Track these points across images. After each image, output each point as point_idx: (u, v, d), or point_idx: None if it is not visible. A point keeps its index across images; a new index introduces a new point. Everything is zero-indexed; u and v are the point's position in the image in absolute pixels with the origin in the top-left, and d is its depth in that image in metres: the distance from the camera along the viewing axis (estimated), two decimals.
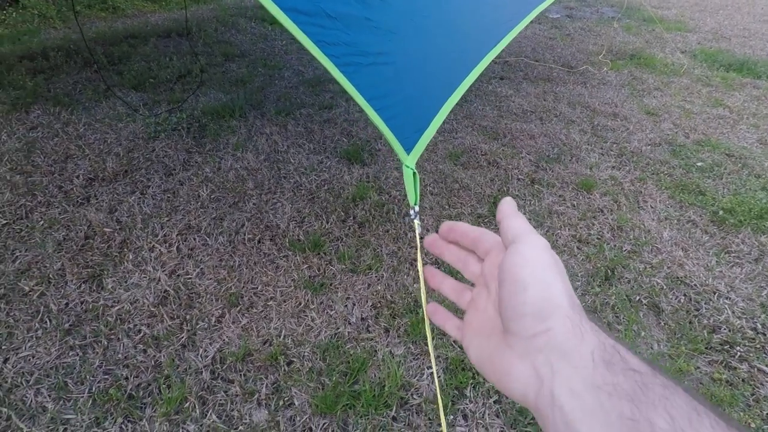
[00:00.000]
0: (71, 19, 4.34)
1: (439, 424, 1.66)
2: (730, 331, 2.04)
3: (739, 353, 1.95)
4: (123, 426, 1.61)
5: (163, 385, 1.74)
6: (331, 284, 2.18)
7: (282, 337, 1.93)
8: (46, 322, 1.96)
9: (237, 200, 2.71)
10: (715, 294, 2.22)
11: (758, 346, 1.97)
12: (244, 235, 2.44)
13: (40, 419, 1.62)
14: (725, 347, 1.98)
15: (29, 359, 1.81)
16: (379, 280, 2.21)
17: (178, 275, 2.19)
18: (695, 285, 2.26)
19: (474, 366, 0.44)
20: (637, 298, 2.18)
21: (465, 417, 1.69)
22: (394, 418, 1.67)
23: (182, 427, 1.62)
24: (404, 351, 1.90)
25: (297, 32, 1.09)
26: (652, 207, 2.82)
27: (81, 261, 2.24)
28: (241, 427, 1.63)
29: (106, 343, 1.88)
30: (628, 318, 2.07)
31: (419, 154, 1.15)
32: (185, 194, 2.74)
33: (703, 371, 1.88)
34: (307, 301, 2.09)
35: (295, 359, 1.85)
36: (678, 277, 2.30)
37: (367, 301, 2.10)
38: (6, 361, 1.80)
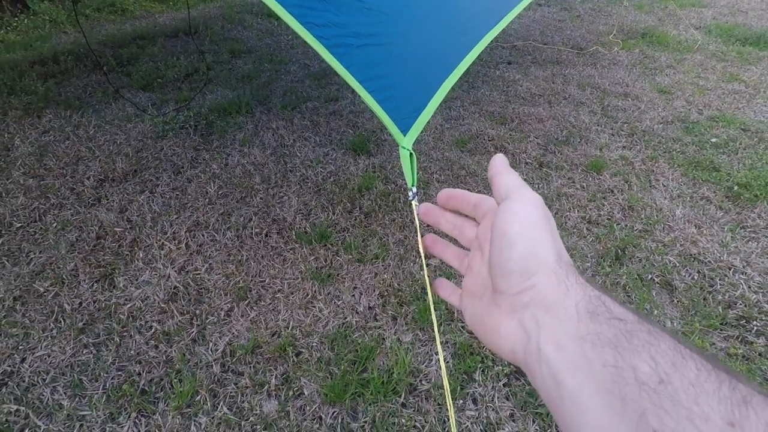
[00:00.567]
0: (79, 24, 4.41)
1: (449, 410, 1.65)
2: (746, 306, 2.00)
3: (755, 328, 1.91)
4: (137, 421, 1.64)
5: (175, 380, 1.76)
6: (338, 275, 2.19)
7: (290, 328, 1.94)
8: (60, 321, 1.99)
9: (244, 195, 2.72)
10: (730, 269, 2.17)
11: None
12: (252, 229, 2.45)
13: (57, 416, 1.65)
14: (741, 322, 1.94)
15: (45, 358, 1.85)
16: (386, 268, 2.21)
17: (188, 271, 2.22)
18: (709, 261, 2.21)
19: (469, 328, 0.44)
20: (649, 276, 2.15)
21: (475, 401, 1.68)
22: (403, 405, 1.67)
23: (194, 420, 1.64)
24: (412, 338, 1.89)
25: (285, 15, 1.08)
26: (664, 185, 2.76)
27: (93, 261, 2.28)
28: (251, 418, 1.64)
29: (118, 340, 1.91)
30: (640, 297, 2.04)
31: (416, 135, 1.14)
32: (193, 191, 2.76)
33: (718, 347, 1.85)
34: (315, 292, 2.10)
35: (303, 350, 1.86)
36: (691, 254, 2.25)
37: (374, 290, 2.10)
38: (23, 360, 1.84)
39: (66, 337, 1.92)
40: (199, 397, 1.71)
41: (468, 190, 0.49)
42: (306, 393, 1.71)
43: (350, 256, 2.27)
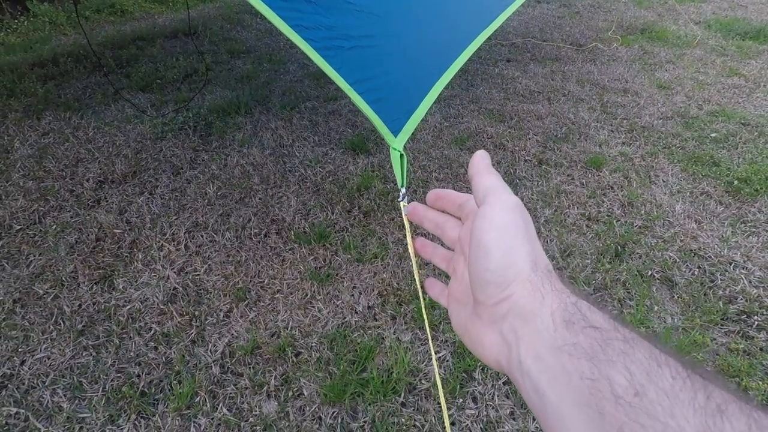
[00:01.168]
0: (80, 25, 4.42)
1: (449, 408, 1.65)
2: (746, 300, 1.99)
3: (756, 322, 1.90)
4: (136, 422, 1.64)
5: (174, 381, 1.76)
6: (337, 274, 2.18)
7: (289, 328, 1.94)
8: (60, 323, 2.00)
9: (243, 196, 2.72)
10: (730, 264, 2.16)
11: None
12: (251, 230, 2.45)
13: (57, 419, 1.65)
14: (742, 317, 1.93)
15: (45, 361, 1.85)
16: (385, 268, 2.20)
17: (187, 273, 2.22)
18: (710, 257, 2.21)
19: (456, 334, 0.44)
20: (649, 272, 2.14)
21: (474, 400, 1.68)
22: (402, 404, 1.67)
23: (194, 422, 1.64)
24: (411, 337, 1.89)
25: (273, 17, 1.08)
26: (663, 181, 2.75)
27: (92, 263, 2.28)
28: (251, 419, 1.64)
29: (118, 342, 1.91)
30: (640, 293, 2.03)
31: (408, 137, 1.14)
32: (192, 192, 2.76)
33: (719, 342, 1.84)
34: (314, 292, 2.10)
35: (302, 350, 1.86)
36: (691, 250, 2.25)
37: (373, 290, 2.10)
38: (23, 363, 1.84)
39: (65, 340, 1.92)
40: (198, 398, 1.71)
41: (468, 188, 0.48)
42: (305, 393, 1.71)
43: (349, 256, 2.27)
